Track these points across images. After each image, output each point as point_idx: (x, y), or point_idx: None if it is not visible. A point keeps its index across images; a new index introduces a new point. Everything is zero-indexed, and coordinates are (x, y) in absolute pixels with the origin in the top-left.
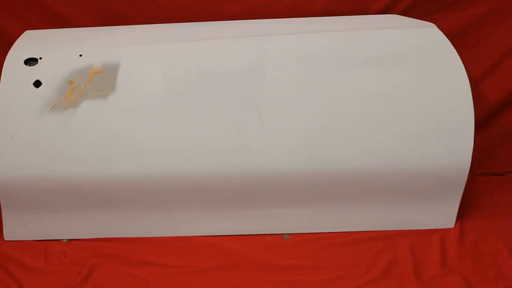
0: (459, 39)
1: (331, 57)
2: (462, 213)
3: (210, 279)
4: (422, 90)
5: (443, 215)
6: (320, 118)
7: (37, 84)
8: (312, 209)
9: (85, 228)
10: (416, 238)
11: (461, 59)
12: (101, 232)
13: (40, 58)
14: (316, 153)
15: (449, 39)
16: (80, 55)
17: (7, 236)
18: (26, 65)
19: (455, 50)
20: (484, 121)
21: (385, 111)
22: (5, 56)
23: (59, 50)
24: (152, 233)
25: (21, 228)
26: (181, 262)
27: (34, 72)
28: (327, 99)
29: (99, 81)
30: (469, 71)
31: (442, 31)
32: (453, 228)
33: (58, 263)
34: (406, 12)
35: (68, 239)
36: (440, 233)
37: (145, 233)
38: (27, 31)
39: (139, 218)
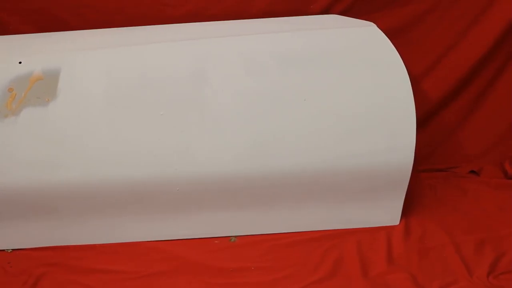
0: (399, 38)
1: (272, 58)
2: (407, 210)
3: (157, 284)
4: (363, 89)
5: (388, 212)
6: (263, 120)
7: None
8: (259, 211)
9: (30, 237)
10: (362, 236)
11: (401, 57)
12: (46, 241)
13: None
14: (260, 154)
15: (388, 38)
16: (20, 62)
17: None
18: None
19: (395, 49)
20: (426, 118)
21: (328, 110)
22: None
23: None
24: (97, 240)
25: None
26: (127, 268)
27: None
28: (269, 101)
29: (40, 88)
30: (409, 69)
31: (381, 30)
32: (398, 224)
33: (3, 273)
34: (346, 12)
35: (13, 249)
36: (385, 230)
37: (90, 240)
38: None
39: (84, 225)
